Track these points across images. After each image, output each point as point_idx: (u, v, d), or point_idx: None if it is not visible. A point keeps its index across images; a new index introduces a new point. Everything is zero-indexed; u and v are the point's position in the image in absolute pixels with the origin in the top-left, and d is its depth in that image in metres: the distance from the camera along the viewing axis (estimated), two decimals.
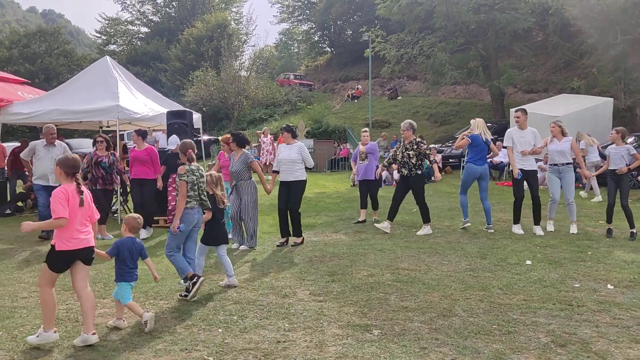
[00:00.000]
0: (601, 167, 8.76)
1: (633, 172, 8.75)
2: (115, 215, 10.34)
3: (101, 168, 8.46)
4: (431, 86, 26.06)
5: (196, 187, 5.33)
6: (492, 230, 8.32)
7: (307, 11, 47.29)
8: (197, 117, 11.89)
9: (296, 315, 4.64)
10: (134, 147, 9.16)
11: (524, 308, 4.74)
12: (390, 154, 8.70)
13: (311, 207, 11.14)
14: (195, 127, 10.96)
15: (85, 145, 21.40)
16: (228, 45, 31.54)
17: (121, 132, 13.47)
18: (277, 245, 7.55)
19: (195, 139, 10.73)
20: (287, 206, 7.54)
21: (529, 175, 8.11)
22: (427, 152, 8.25)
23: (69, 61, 41.32)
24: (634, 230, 7.77)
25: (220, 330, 4.32)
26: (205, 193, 5.45)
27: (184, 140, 5.82)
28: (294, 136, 7.72)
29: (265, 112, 33.48)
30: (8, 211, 10.97)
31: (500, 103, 22.26)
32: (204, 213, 5.48)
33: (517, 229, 8.17)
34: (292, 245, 7.53)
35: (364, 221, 9.33)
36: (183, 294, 5.18)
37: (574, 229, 8.15)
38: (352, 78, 40.94)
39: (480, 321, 4.42)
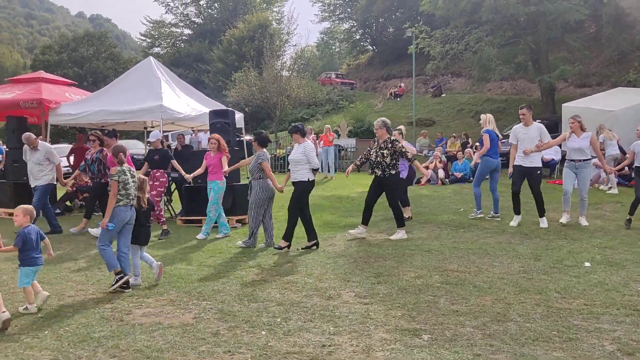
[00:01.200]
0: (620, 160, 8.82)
1: None
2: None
3: (87, 165, 8.83)
4: (477, 82, 25.34)
5: (128, 187, 5.59)
6: (499, 219, 8.80)
7: (348, 9, 47.02)
8: (239, 116, 11.88)
9: (341, 318, 4.48)
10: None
11: (586, 313, 4.43)
12: (364, 153, 8.22)
13: (354, 207, 10.94)
14: (237, 126, 10.93)
15: (132, 146, 21.79)
16: (270, 45, 31.67)
17: (165, 133, 13.61)
18: (302, 248, 7.31)
19: (237, 139, 10.76)
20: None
21: (528, 173, 8.06)
22: (403, 149, 7.65)
23: (116, 64, 42.47)
24: None
25: (263, 332, 4.20)
26: (135, 194, 5.69)
27: (116, 144, 6.27)
28: (303, 135, 7.58)
29: (307, 111, 33.43)
30: (57, 210, 11.21)
31: (551, 98, 21.44)
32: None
33: (513, 221, 8.29)
34: (275, 248, 7.26)
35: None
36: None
37: (583, 221, 8.17)
38: (395, 76, 40.42)
39: (537, 327, 4.14)
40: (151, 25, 51.54)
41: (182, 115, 10.55)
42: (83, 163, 8.98)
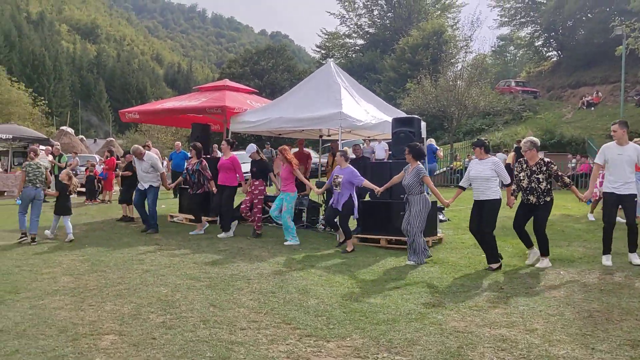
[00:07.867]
0: None
1: None
2: None
3: (188, 174, 9.80)
4: None
5: (30, 174, 8.64)
6: None
7: (531, 13, 43.31)
8: (423, 125, 10.71)
9: None
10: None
11: None
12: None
13: (557, 234, 9.12)
14: (422, 136, 9.77)
15: None
16: (446, 52, 30.14)
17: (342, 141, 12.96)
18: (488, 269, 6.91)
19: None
20: (479, 228, 7.02)
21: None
22: (559, 172, 6.91)
23: (292, 75, 44.37)
24: None
25: None
26: (40, 179, 8.76)
27: (31, 146, 9.91)
28: (487, 151, 7.19)
29: (483, 122, 31.16)
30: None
31: None
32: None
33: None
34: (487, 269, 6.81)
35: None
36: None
37: None
38: (585, 83, 36.10)
39: None
40: (326, 37, 53.14)
41: (361, 123, 9.69)
42: (185, 171, 10.03)
